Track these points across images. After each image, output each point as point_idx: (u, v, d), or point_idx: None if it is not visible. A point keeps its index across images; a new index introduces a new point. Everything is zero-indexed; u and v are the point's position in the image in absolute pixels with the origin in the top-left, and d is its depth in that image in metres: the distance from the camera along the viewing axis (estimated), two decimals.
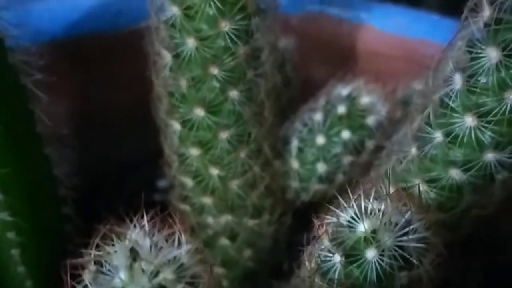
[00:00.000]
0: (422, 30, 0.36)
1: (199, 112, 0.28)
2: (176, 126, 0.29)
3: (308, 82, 0.39)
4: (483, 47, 0.21)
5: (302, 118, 0.33)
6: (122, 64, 0.40)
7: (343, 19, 0.38)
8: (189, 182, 0.30)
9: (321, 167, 0.32)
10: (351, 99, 0.32)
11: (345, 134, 0.31)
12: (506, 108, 0.21)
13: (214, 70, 0.27)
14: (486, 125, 0.22)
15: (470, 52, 0.21)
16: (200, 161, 0.29)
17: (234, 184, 0.30)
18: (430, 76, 0.24)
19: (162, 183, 0.44)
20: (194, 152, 0.29)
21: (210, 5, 0.26)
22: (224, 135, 0.29)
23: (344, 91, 0.32)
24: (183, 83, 0.28)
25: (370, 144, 0.32)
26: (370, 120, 0.31)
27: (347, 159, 0.32)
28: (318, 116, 0.32)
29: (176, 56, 0.27)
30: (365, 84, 0.33)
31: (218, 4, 0.26)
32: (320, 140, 0.31)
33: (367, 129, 0.31)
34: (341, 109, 0.31)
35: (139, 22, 0.40)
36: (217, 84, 0.28)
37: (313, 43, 0.39)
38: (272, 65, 0.29)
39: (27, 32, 0.37)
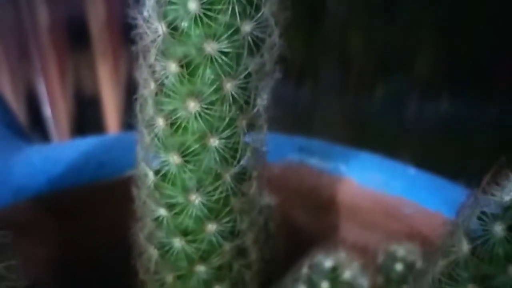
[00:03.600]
0: (399, 188, 0.37)
1: None
2: None
3: (290, 236, 0.39)
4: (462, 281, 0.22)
5: None
6: (104, 212, 0.40)
7: (323, 171, 0.39)
8: None
9: None
10: (333, 274, 0.32)
11: None
12: None
13: (201, 268, 0.28)
14: None
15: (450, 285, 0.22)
16: None
17: None
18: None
19: None
20: None
21: (196, 207, 0.27)
22: None
23: (327, 263, 0.33)
24: (169, 278, 0.28)
25: None
26: None
27: None
28: None
29: (162, 254, 0.28)
30: (347, 253, 0.34)
31: (205, 209, 0.26)
32: None
33: None
34: (325, 285, 0.32)
35: (121, 172, 0.41)
36: (203, 279, 0.28)
37: (295, 194, 0.40)
38: (257, 252, 0.29)
39: (8, 190, 0.37)
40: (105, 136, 0.42)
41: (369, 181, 0.39)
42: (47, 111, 0.75)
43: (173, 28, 0.24)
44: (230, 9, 0.24)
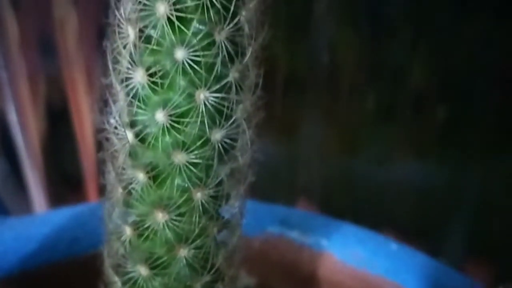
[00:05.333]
0: (381, 267, 0.37)
1: None
2: None
3: None
4: None
5: None
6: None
7: (304, 245, 0.39)
8: None
9: None
10: None
11: None
12: None
13: None
14: None
15: None
16: None
17: None
18: None
19: None
20: None
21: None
22: None
23: None
24: None
25: None
26: None
27: None
28: None
29: None
30: None
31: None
32: None
33: None
34: None
35: (97, 247, 0.39)
36: None
37: (275, 269, 0.39)
38: None
39: None
40: (79, 208, 0.41)
41: (351, 257, 0.38)
42: (17, 131, 0.73)
43: (140, 139, 0.24)
44: (199, 121, 0.23)
